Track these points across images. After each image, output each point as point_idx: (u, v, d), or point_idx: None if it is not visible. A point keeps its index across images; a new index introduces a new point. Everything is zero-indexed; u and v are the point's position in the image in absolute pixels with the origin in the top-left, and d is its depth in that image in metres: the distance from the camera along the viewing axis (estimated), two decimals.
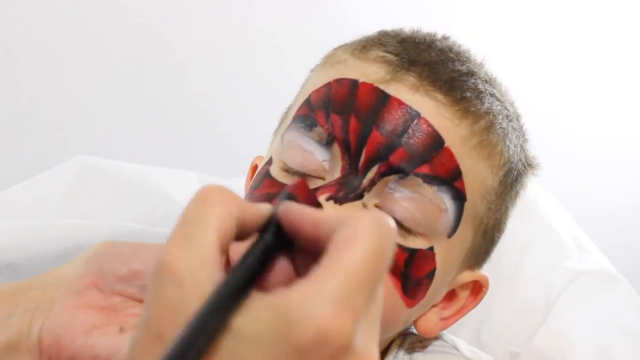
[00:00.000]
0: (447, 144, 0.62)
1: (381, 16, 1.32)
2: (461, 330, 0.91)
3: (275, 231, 0.44)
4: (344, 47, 0.70)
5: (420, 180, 0.61)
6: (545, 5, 1.59)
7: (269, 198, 0.63)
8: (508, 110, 0.70)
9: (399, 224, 0.62)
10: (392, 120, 0.62)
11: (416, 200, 0.61)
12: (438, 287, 0.67)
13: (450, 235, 0.64)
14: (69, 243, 0.83)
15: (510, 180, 0.68)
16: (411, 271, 0.63)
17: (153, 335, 0.40)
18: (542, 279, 0.91)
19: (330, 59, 0.70)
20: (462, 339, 0.83)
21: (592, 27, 1.59)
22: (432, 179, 0.61)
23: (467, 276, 0.69)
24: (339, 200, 0.60)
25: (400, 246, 0.62)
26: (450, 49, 0.70)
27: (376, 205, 0.62)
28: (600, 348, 0.84)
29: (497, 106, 0.68)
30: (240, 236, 0.43)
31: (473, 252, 0.68)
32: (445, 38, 0.72)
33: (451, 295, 0.70)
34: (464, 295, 0.71)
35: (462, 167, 0.63)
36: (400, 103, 0.62)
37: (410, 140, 0.61)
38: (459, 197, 0.63)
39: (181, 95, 1.33)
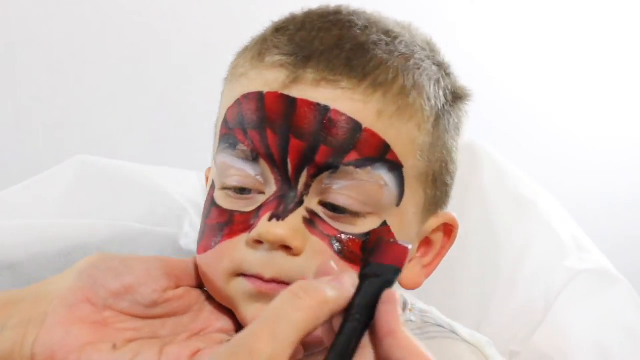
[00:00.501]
0: (365, 125, 0.62)
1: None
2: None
3: (368, 314, 0.51)
4: (243, 56, 0.69)
5: (351, 168, 0.62)
6: (544, 5, 1.59)
7: (221, 228, 0.64)
8: (420, 55, 0.69)
9: (345, 211, 0.62)
10: (305, 123, 0.62)
11: (354, 187, 0.62)
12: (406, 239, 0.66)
13: (399, 204, 0.64)
14: (69, 242, 0.83)
15: (441, 125, 0.69)
16: (369, 254, 0.62)
17: None
18: (542, 278, 0.90)
19: (234, 72, 0.69)
20: None
21: (591, 27, 1.60)
22: (363, 162, 0.62)
23: (433, 222, 0.70)
24: (280, 216, 0.61)
25: (351, 237, 0.62)
26: (350, 22, 0.68)
27: (319, 202, 0.62)
28: (599, 346, 0.84)
29: (406, 60, 0.67)
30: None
31: (430, 202, 0.69)
32: (347, 11, 0.70)
33: (427, 242, 0.71)
34: (438, 238, 0.72)
35: (388, 139, 0.63)
36: (307, 103, 0.62)
37: (329, 136, 0.61)
38: (395, 167, 0.63)
39: (181, 95, 1.34)
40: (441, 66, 0.71)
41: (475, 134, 1.01)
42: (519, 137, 1.56)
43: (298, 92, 0.62)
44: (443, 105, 0.69)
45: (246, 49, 0.70)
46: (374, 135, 0.62)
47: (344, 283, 0.52)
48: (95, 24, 1.32)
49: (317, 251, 0.62)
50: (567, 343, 0.85)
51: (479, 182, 0.98)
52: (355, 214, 0.63)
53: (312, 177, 0.62)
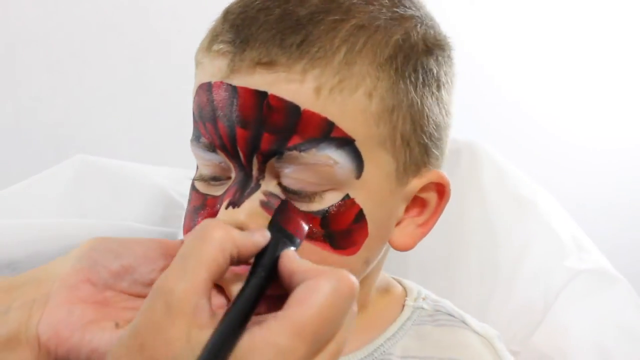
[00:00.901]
0: (303, 106, 0.60)
1: None
2: None
3: (269, 267, 0.53)
4: (201, 43, 0.69)
5: (295, 152, 0.61)
6: (544, 5, 1.59)
7: (197, 211, 0.66)
8: (376, 13, 0.65)
9: (300, 193, 0.62)
10: (246, 111, 0.61)
11: (302, 170, 0.61)
12: (382, 216, 0.66)
13: (359, 176, 0.63)
14: (69, 242, 0.82)
15: (405, 84, 0.65)
16: (332, 228, 0.63)
17: (136, 344, 0.49)
18: (541, 278, 0.91)
19: (195, 60, 0.69)
20: None
21: (590, 27, 1.60)
22: (306, 145, 0.61)
23: (417, 183, 0.68)
24: (236, 203, 0.61)
25: (307, 213, 0.62)
26: None
27: (277, 184, 0.62)
28: (599, 346, 0.84)
29: (356, 25, 0.63)
30: (236, 263, 0.53)
31: (404, 165, 0.67)
32: None
33: (420, 202, 0.70)
34: (431, 197, 0.70)
35: (331, 116, 0.61)
36: (246, 90, 0.61)
37: (270, 123, 0.61)
38: (345, 143, 0.62)
39: (181, 95, 1.34)
40: (409, 19, 0.66)
41: (475, 133, 1.02)
42: (518, 137, 1.56)
43: (238, 79, 0.62)
44: (407, 61, 0.65)
45: (206, 35, 0.69)
46: (313, 115, 0.60)
47: (254, 232, 0.54)
48: (95, 23, 1.33)
49: None
50: (567, 343, 0.85)
51: (478, 182, 0.98)
52: (312, 193, 0.62)
53: (263, 163, 0.62)
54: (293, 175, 0.62)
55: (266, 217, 0.61)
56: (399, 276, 0.82)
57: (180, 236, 0.89)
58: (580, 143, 1.64)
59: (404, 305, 0.76)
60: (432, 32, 0.67)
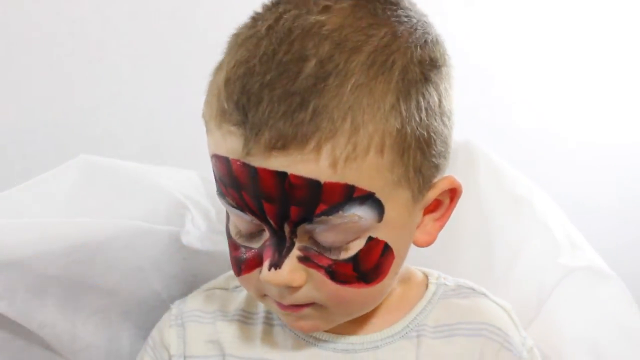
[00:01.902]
0: (323, 180, 0.63)
1: None
2: None
3: None
4: (209, 110, 0.70)
5: (323, 217, 0.65)
6: (540, 3, 1.60)
7: (238, 263, 0.72)
8: (365, 62, 0.64)
9: (330, 247, 0.68)
10: (270, 189, 0.64)
11: (331, 229, 0.66)
12: (404, 236, 0.72)
13: (380, 220, 0.67)
14: (74, 240, 0.84)
15: (410, 125, 0.66)
16: (363, 269, 0.68)
17: None
18: (535, 276, 0.92)
19: (204, 121, 0.71)
20: None
21: (588, 26, 1.60)
22: (333, 210, 0.64)
23: (432, 194, 0.72)
24: (277, 264, 0.67)
25: (342, 263, 0.68)
26: (297, 68, 0.64)
27: (309, 239, 0.67)
28: (592, 343, 0.85)
29: (351, 86, 0.63)
30: None
31: (422, 186, 0.70)
32: (297, 50, 0.64)
33: (434, 202, 0.74)
34: (444, 197, 0.74)
35: (350, 181, 0.64)
36: (266, 172, 0.63)
37: (294, 197, 0.64)
38: (366, 198, 0.65)
39: (182, 95, 1.34)
40: (403, 47, 0.66)
41: (471, 133, 1.03)
42: (515, 136, 1.56)
43: (256, 161, 0.64)
44: (410, 100, 0.66)
45: (209, 101, 0.70)
46: (334, 184, 0.63)
47: None
48: (96, 23, 1.33)
49: (316, 281, 0.68)
50: (560, 339, 0.86)
51: (474, 181, 0.99)
52: (341, 245, 0.68)
53: (294, 227, 0.66)
54: (323, 234, 0.66)
55: (304, 269, 0.68)
56: None
57: (182, 234, 0.91)
58: (578, 140, 1.64)
59: (427, 285, 0.81)
60: (427, 51, 0.68)
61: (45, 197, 0.90)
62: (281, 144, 0.62)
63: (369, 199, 0.65)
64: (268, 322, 0.80)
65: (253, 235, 0.70)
